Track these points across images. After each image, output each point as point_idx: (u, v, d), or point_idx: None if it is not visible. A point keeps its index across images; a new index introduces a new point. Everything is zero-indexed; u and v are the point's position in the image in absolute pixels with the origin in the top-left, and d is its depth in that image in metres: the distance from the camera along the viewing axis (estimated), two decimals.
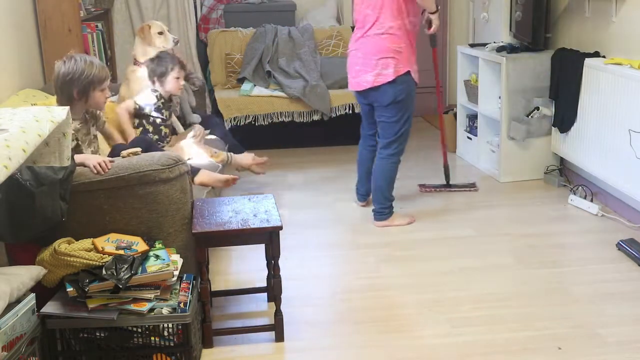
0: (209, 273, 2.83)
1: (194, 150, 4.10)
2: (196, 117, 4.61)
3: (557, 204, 4.32)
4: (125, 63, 5.17)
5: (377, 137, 4.08)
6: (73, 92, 3.08)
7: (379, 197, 4.03)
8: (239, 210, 2.92)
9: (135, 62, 4.38)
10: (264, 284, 3.20)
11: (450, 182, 4.67)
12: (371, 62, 3.82)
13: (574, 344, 2.76)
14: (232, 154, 4.34)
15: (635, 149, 3.70)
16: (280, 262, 2.83)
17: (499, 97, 4.75)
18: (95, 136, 3.34)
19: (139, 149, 2.94)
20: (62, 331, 2.51)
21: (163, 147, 3.97)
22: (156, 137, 4.00)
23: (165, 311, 2.51)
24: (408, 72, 3.83)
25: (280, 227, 2.76)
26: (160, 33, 4.31)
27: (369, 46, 3.83)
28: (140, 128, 3.96)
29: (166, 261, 2.56)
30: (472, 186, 4.67)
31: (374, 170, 4.05)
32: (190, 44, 6.15)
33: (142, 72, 4.30)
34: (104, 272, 2.45)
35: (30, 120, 2.39)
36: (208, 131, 4.46)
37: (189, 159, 4.05)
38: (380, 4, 3.76)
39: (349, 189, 4.54)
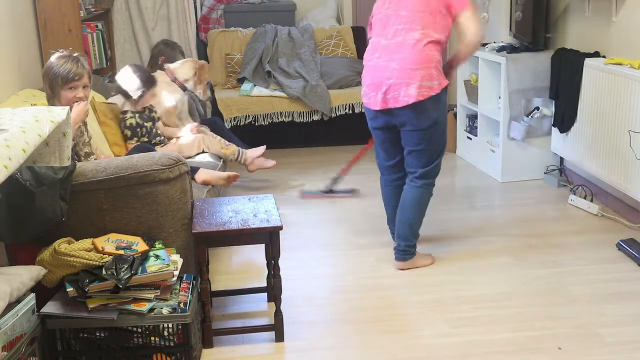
0: (209, 273, 2.83)
1: (207, 141, 4.10)
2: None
3: (557, 204, 4.32)
4: (125, 63, 5.17)
5: (406, 167, 3.43)
6: (46, 86, 3.11)
7: (406, 233, 3.43)
8: (239, 210, 2.92)
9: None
10: (264, 284, 3.20)
11: (332, 188, 4.51)
12: (412, 74, 3.18)
13: (574, 344, 2.76)
14: (243, 149, 4.33)
15: (634, 150, 3.69)
16: (280, 262, 2.83)
17: (499, 97, 4.75)
18: (90, 138, 3.33)
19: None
20: (62, 331, 2.51)
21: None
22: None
23: (165, 311, 2.51)
24: (446, 87, 3.29)
25: (280, 227, 2.76)
26: None
27: (406, 54, 3.20)
28: (135, 138, 3.97)
29: (166, 261, 2.56)
30: (352, 192, 4.52)
31: (404, 201, 3.44)
32: (190, 44, 6.15)
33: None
34: (104, 272, 2.46)
35: (30, 120, 2.39)
36: (204, 127, 4.45)
37: (197, 154, 4.06)
38: (423, 6, 3.21)
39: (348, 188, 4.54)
